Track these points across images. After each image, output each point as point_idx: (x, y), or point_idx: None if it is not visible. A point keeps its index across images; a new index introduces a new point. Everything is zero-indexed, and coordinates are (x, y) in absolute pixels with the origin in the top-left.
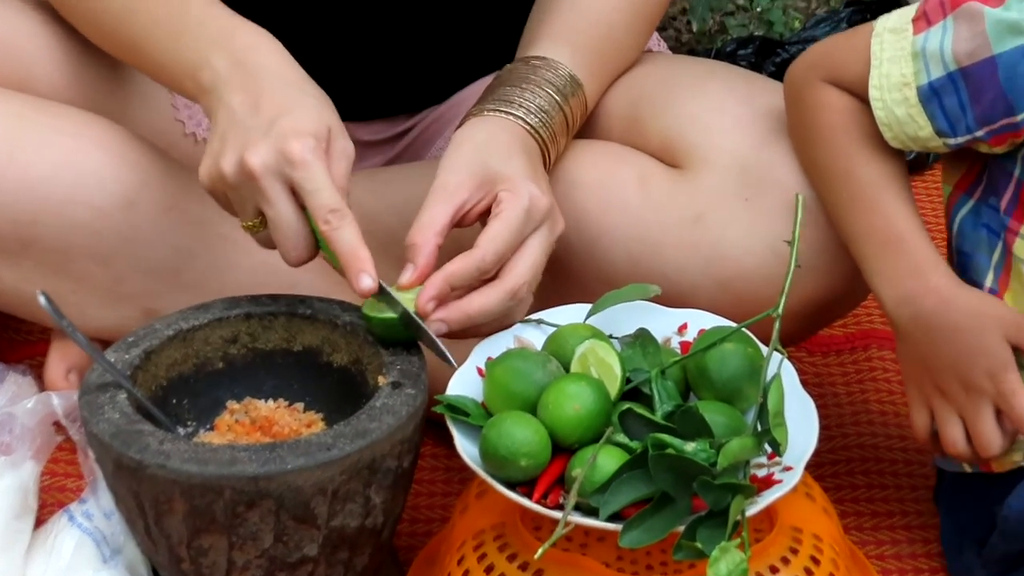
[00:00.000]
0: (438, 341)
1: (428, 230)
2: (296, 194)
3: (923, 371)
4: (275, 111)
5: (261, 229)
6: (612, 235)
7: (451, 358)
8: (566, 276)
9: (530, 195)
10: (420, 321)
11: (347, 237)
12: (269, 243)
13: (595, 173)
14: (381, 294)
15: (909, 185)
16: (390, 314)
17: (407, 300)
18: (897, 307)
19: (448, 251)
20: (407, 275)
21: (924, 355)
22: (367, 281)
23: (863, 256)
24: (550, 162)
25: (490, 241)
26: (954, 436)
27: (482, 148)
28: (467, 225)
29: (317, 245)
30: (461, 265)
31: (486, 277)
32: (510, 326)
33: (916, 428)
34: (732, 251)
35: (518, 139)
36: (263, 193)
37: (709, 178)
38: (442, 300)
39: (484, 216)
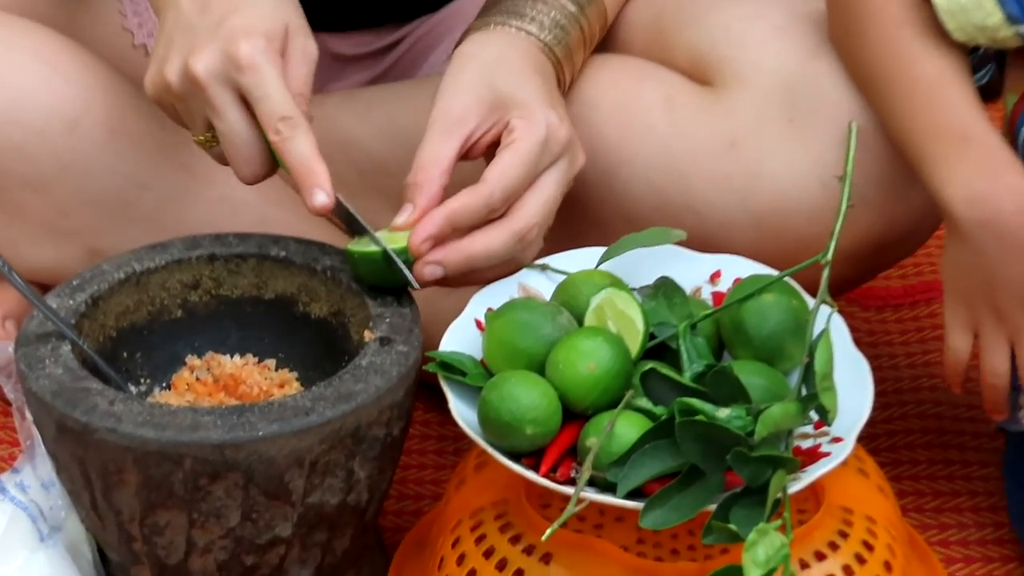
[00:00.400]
0: (410, 277)
1: (432, 168)
2: (247, 102)
3: (976, 285)
4: (224, 9)
5: (214, 144)
6: (633, 165)
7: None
8: (581, 213)
9: (547, 123)
10: (399, 261)
11: (299, 148)
12: (225, 160)
13: (614, 93)
14: (357, 231)
15: (973, 82)
16: (375, 248)
17: (398, 239)
18: (966, 208)
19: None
20: (404, 215)
21: (984, 267)
22: (321, 197)
23: (924, 157)
24: (566, 84)
25: (500, 175)
26: (997, 364)
27: (490, 67)
28: (473, 158)
29: (275, 160)
30: (465, 202)
31: (493, 216)
32: (515, 272)
33: (951, 352)
34: (773, 183)
35: (531, 57)
36: (210, 102)
37: (746, 98)
38: (440, 241)
39: (492, 148)
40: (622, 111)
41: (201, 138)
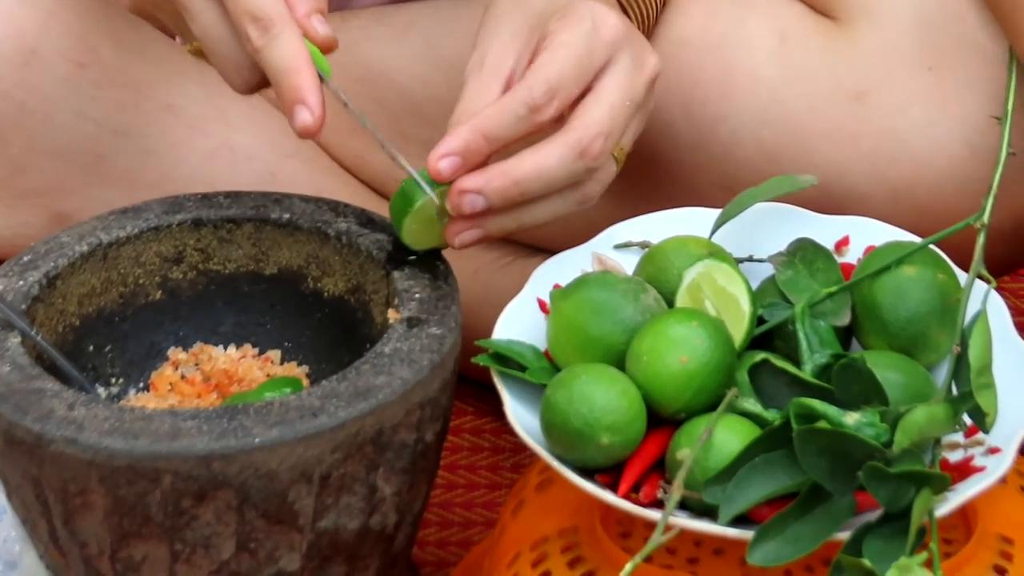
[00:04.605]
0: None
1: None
2: None
3: None
4: None
5: None
6: (737, 120)
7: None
8: (668, 179)
9: (592, 14)
10: (424, 185)
11: (278, 55)
12: None
13: (714, 28)
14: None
15: None
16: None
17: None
18: None
19: None
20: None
21: None
22: (304, 116)
23: None
24: (641, 16)
25: (539, 69)
26: None
27: None
28: None
29: None
30: (499, 107)
31: (540, 124)
32: (584, 205)
33: None
34: (911, 145)
35: None
36: (179, 2)
37: (874, 36)
38: (473, 163)
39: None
40: (722, 51)
41: (193, 47)
